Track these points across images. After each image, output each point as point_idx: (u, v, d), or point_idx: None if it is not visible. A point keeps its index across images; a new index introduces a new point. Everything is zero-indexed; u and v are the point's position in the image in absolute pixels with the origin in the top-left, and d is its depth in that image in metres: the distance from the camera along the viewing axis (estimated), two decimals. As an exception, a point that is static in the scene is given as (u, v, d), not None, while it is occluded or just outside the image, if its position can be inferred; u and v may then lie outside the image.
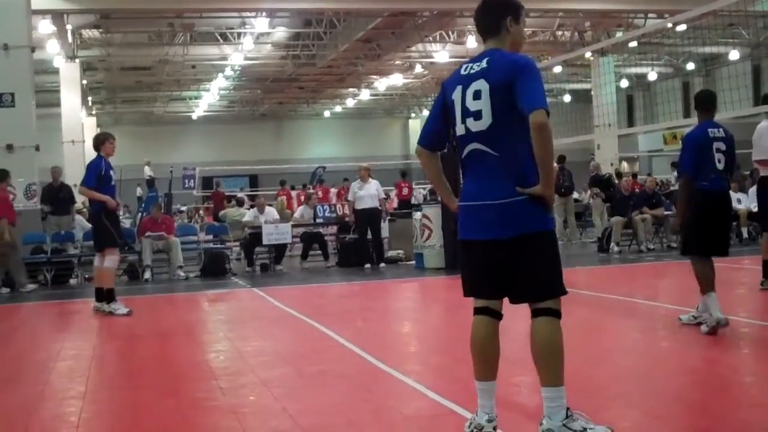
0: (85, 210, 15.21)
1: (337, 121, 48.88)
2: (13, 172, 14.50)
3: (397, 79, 37.16)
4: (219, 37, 29.59)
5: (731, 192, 8.89)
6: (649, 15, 26.32)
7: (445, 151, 4.53)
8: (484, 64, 4.15)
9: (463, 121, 4.17)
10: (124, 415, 5.41)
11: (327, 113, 48.09)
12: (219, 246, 16.43)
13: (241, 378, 6.21)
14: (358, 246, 15.83)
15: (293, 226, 16.59)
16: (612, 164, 27.70)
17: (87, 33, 27.52)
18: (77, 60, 27.41)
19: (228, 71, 33.96)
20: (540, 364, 4.04)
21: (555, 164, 5.14)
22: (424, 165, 4.51)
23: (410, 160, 44.61)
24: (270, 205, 18.68)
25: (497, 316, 4.20)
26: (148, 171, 29.88)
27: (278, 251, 16.17)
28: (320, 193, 27.81)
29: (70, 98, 27.14)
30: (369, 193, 15.42)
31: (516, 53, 4.21)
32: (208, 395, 5.74)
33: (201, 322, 10.33)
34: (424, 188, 27.86)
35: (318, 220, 17.23)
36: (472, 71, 4.18)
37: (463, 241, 4.27)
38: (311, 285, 13.82)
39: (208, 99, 41.05)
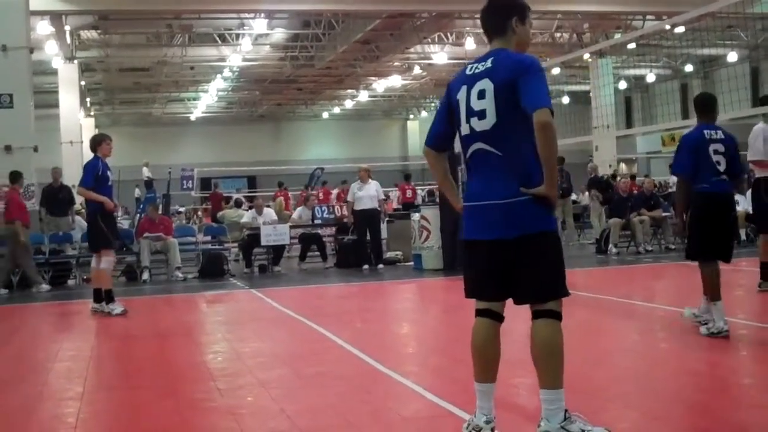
0: (84, 211, 15.21)
1: (335, 123, 48.89)
2: (11, 173, 14.51)
3: (395, 81, 37.19)
4: (217, 39, 29.59)
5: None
6: (648, 17, 26.35)
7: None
8: (488, 63, 4.15)
9: (468, 121, 4.16)
10: (122, 416, 5.41)
11: (325, 114, 48.10)
12: (217, 247, 16.43)
13: (240, 379, 6.21)
14: (357, 247, 15.82)
15: (291, 227, 16.58)
16: (610, 166, 27.73)
17: (85, 34, 27.55)
18: (75, 61, 27.43)
19: (226, 72, 33.95)
20: (540, 366, 4.03)
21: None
22: (431, 165, 4.51)
23: (409, 161, 44.66)
24: (268, 206, 18.67)
25: (499, 318, 4.19)
26: (146, 172, 29.88)
27: (276, 252, 16.16)
28: (321, 195, 27.82)
29: (69, 99, 27.14)
30: (368, 194, 15.42)
31: (521, 53, 4.20)
32: (206, 396, 5.73)
33: (199, 323, 10.33)
34: (422, 189, 27.87)
35: (316, 221, 17.23)
36: (476, 71, 4.17)
37: (467, 241, 4.25)
38: (309, 286, 13.82)
39: (206, 100, 41.05)
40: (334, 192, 28.48)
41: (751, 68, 34.25)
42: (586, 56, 28.40)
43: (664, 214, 17.13)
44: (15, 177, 14.20)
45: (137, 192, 30.65)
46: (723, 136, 7.14)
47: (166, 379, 6.46)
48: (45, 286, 13.81)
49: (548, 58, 27.23)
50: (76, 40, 26.99)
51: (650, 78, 38.40)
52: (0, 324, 10.88)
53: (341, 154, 44.69)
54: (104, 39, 28.45)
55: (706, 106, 7.40)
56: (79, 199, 15.30)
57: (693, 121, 7.65)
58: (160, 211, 16.53)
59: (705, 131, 7.13)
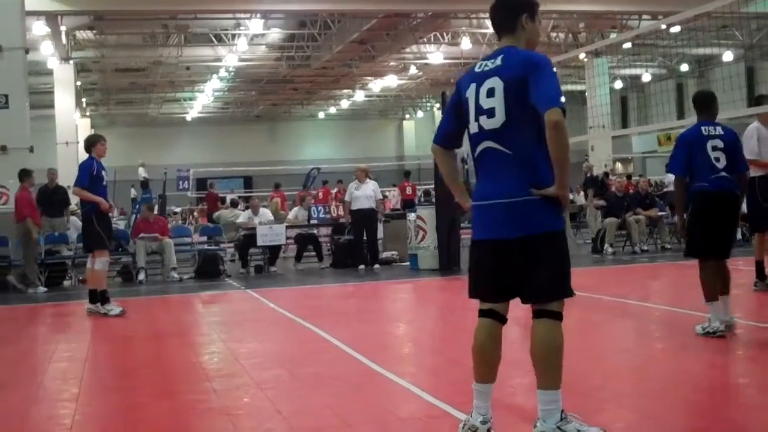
0: (79, 211, 15.20)
1: (331, 123, 48.89)
2: (6, 174, 14.48)
3: (391, 81, 37.20)
4: (213, 39, 29.59)
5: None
6: (643, 16, 26.37)
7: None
8: (498, 61, 4.11)
9: (477, 119, 4.13)
10: (118, 417, 5.40)
11: (321, 114, 48.09)
12: (213, 247, 16.40)
13: (236, 380, 6.20)
14: (353, 247, 15.82)
15: (287, 227, 16.57)
16: (606, 165, 27.74)
17: (81, 34, 27.50)
18: (71, 61, 27.42)
19: (222, 72, 33.95)
20: (538, 366, 4.01)
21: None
22: (439, 163, 4.48)
23: (405, 161, 44.66)
24: (264, 207, 18.66)
25: (502, 320, 4.17)
26: (142, 172, 29.87)
27: (272, 253, 16.15)
28: (321, 194, 27.80)
29: (64, 99, 27.13)
30: (365, 194, 15.42)
31: (531, 51, 4.18)
32: (202, 397, 5.72)
33: (195, 324, 10.31)
34: (418, 189, 27.87)
35: (312, 222, 17.22)
36: (486, 68, 4.14)
37: (476, 241, 4.23)
38: (305, 286, 13.81)
39: (202, 100, 41.03)
40: (334, 191, 28.49)
41: (746, 68, 34.28)
42: (582, 56, 28.42)
43: (659, 213, 17.16)
44: (23, 175, 14.22)
45: (133, 192, 30.63)
46: (722, 132, 7.03)
47: (162, 380, 6.45)
48: (42, 289, 13.79)
49: (544, 57, 27.27)
50: (71, 40, 26.97)
51: (646, 78, 38.44)
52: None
53: (337, 154, 44.69)
54: (100, 39, 28.42)
55: (704, 102, 7.31)
56: (74, 200, 15.28)
57: (688, 121, 7.64)
58: (155, 212, 16.48)
59: (703, 128, 7.04)
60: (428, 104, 47.49)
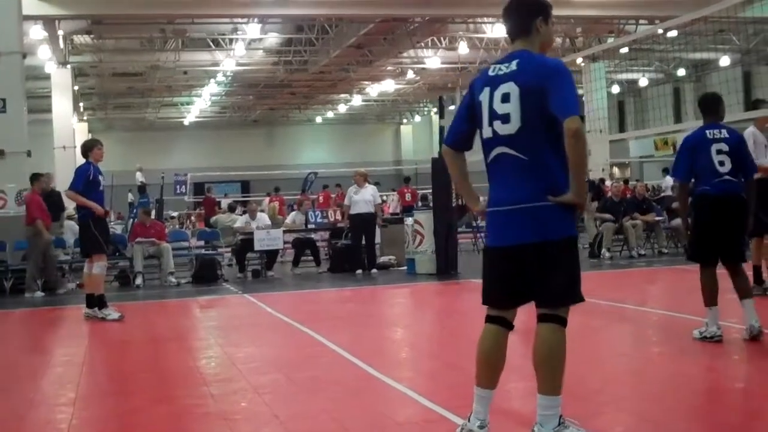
0: (75, 216, 15.19)
1: (329, 127, 48.93)
2: (4, 178, 14.50)
3: (388, 85, 37.24)
4: (211, 43, 29.61)
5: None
6: (640, 21, 26.42)
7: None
8: (513, 66, 4.05)
9: (491, 124, 4.08)
10: (115, 421, 5.39)
11: (319, 119, 48.13)
12: (210, 252, 16.39)
13: (233, 384, 6.20)
14: (350, 252, 15.81)
15: (285, 231, 16.56)
16: (603, 170, 27.77)
17: (78, 39, 27.50)
18: (69, 66, 27.40)
19: (220, 77, 33.97)
20: (540, 371, 3.99)
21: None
22: (449, 164, 4.42)
23: (402, 165, 44.68)
24: (261, 211, 18.65)
25: (509, 326, 4.15)
26: (139, 177, 29.81)
27: (270, 257, 16.13)
28: (322, 198, 27.78)
29: (62, 104, 27.11)
30: (364, 198, 15.42)
31: (545, 56, 4.15)
32: (199, 401, 5.72)
33: (192, 329, 10.30)
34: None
35: (310, 226, 17.20)
36: (500, 72, 4.08)
37: (490, 247, 4.19)
38: (303, 291, 13.80)
39: (199, 105, 41.05)
40: (333, 195, 28.46)
41: (743, 72, 34.36)
42: (579, 60, 28.43)
43: (656, 218, 17.16)
44: (34, 179, 14.31)
45: (130, 197, 30.58)
46: (728, 135, 6.91)
47: (159, 384, 6.45)
48: (39, 293, 13.76)
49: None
50: (69, 44, 26.95)
51: (643, 82, 38.52)
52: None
53: (335, 158, 44.74)
54: (97, 44, 28.42)
55: (709, 105, 7.20)
56: (71, 204, 15.27)
57: (686, 125, 7.62)
58: (152, 216, 16.46)
59: (707, 131, 6.93)
60: (425, 109, 47.54)
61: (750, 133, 9.39)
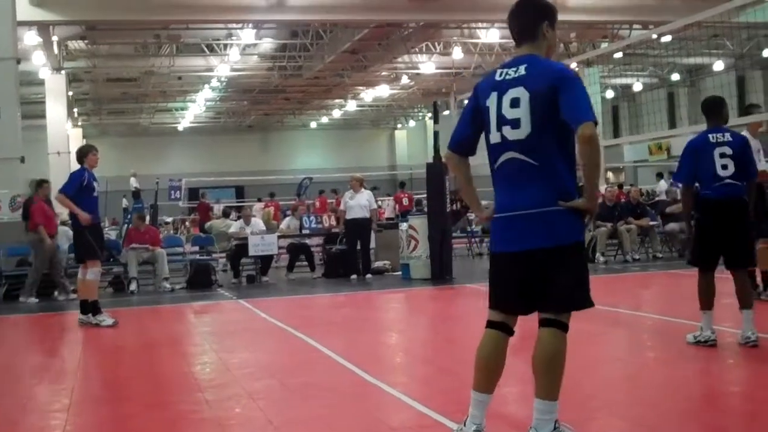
0: (69, 222, 15.18)
1: (323, 132, 48.92)
2: (-2, 184, 14.47)
3: (383, 90, 37.25)
4: (205, 49, 29.59)
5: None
6: (634, 26, 26.46)
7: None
8: (522, 70, 4.03)
9: (499, 129, 4.05)
10: (109, 427, 5.38)
11: (313, 124, 48.12)
12: (205, 257, 16.37)
13: (227, 390, 6.19)
14: (345, 257, 15.81)
15: (280, 237, 16.56)
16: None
17: (73, 44, 27.47)
18: (63, 71, 27.37)
19: (214, 82, 33.96)
20: (539, 376, 3.98)
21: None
22: (453, 169, 4.41)
23: (397, 171, 44.70)
24: (254, 216, 18.62)
25: (510, 332, 4.15)
26: (134, 182, 29.78)
27: (264, 262, 16.12)
28: (318, 203, 27.76)
29: (56, 109, 27.06)
30: (359, 203, 15.41)
31: (552, 61, 4.14)
32: (194, 407, 5.71)
33: (187, 334, 10.28)
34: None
35: (304, 231, 17.20)
36: (508, 77, 4.05)
37: (498, 253, 4.17)
38: (297, 296, 13.79)
39: (194, 110, 41.01)
40: (330, 201, 28.46)
41: (737, 77, 34.42)
42: (573, 65, 28.37)
43: (651, 222, 17.18)
44: (37, 185, 14.32)
45: (125, 202, 30.53)
46: (731, 139, 6.87)
47: (154, 390, 6.43)
48: (32, 299, 13.74)
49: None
50: (63, 50, 26.92)
51: (637, 87, 38.56)
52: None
53: (329, 163, 44.75)
54: (92, 49, 28.39)
55: (712, 109, 7.16)
56: (65, 210, 15.24)
57: (680, 130, 7.63)
58: (147, 222, 16.44)
59: (710, 135, 6.90)
60: (420, 114, 47.58)
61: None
